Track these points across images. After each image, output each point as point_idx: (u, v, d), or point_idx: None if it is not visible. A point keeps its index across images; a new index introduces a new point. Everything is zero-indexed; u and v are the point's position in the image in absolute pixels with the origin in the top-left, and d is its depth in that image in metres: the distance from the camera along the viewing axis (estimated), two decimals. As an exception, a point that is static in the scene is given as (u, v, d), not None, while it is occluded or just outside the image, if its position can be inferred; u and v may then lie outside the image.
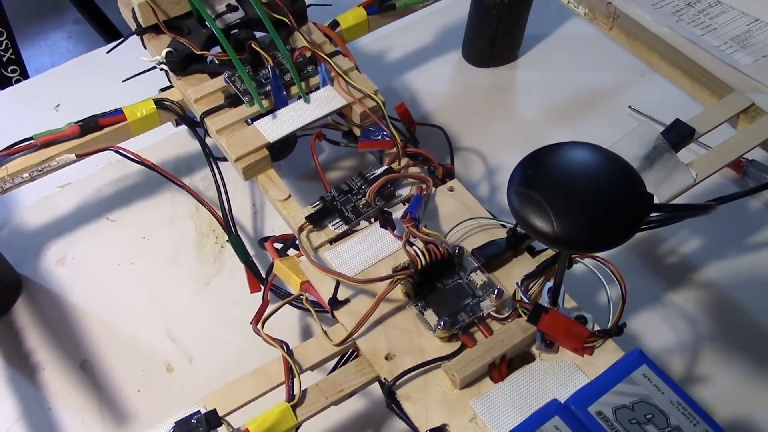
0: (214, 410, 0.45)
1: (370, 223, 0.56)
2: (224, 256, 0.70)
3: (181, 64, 0.64)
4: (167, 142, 0.79)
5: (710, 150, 0.62)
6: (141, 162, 0.62)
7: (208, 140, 0.64)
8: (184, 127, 0.67)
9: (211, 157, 0.63)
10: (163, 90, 0.68)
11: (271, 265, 0.55)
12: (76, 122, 0.62)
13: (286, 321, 0.64)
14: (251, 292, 0.61)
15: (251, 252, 0.61)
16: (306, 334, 0.64)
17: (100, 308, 0.67)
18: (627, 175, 0.40)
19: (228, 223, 0.61)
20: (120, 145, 0.62)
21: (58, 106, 0.85)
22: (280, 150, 0.70)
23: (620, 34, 0.73)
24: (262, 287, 0.56)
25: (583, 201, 0.38)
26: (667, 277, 0.68)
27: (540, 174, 0.40)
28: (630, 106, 0.82)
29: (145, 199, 0.75)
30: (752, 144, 0.61)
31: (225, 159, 0.62)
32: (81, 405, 0.61)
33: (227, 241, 0.61)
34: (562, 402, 0.42)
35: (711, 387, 0.61)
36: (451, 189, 0.58)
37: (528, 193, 0.39)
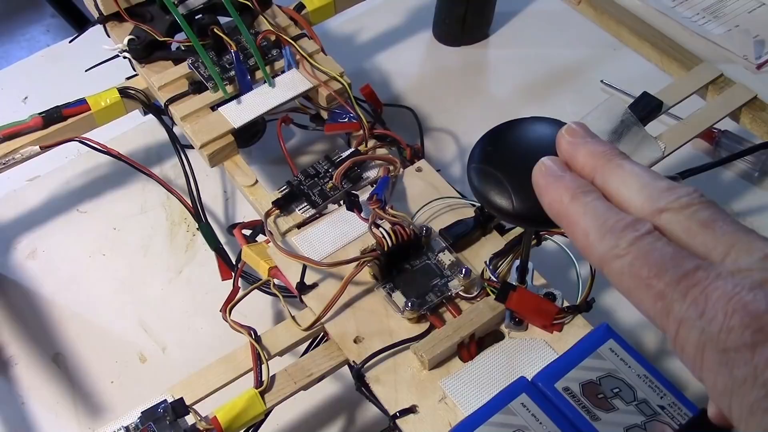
0: (181, 399, 0.45)
1: (339, 206, 0.56)
2: (196, 244, 0.70)
3: (144, 51, 0.64)
4: (136, 131, 0.78)
5: (680, 122, 0.61)
6: (107, 152, 0.61)
7: (176, 129, 0.64)
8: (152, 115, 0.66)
9: (179, 145, 0.62)
10: (129, 79, 0.67)
11: (241, 252, 0.55)
12: (39, 113, 0.61)
13: (258, 308, 0.64)
14: (222, 280, 0.60)
15: (222, 239, 0.61)
16: (278, 320, 0.64)
17: (72, 301, 0.66)
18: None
19: (198, 212, 0.60)
20: (87, 135, 0.61)
21: (26, 98, 0.84)
22: (249, 135, 0.69)
23: (588, 9, 0.72)
24: (233, 274, 0.56)
25: (542, 176, 0.38)
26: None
27: (499, 150, 0.39)
28: (603, 81, 0.82)
29: (116, 190, 0.75)
30: (721, 115, 0.61)
31: (193, 147, 0.61)
32: (54, 398, 0.60)
33: (197, 229, 0.61)
34: (530, 379, 0.42)
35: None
36: (419, 169, 0.57)
37: (487, 170, 0.38)
